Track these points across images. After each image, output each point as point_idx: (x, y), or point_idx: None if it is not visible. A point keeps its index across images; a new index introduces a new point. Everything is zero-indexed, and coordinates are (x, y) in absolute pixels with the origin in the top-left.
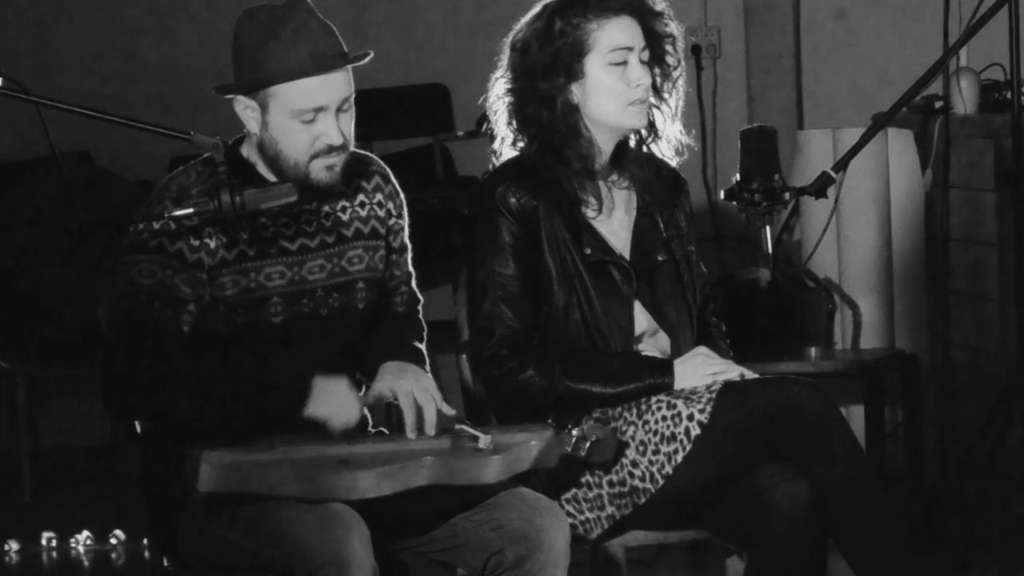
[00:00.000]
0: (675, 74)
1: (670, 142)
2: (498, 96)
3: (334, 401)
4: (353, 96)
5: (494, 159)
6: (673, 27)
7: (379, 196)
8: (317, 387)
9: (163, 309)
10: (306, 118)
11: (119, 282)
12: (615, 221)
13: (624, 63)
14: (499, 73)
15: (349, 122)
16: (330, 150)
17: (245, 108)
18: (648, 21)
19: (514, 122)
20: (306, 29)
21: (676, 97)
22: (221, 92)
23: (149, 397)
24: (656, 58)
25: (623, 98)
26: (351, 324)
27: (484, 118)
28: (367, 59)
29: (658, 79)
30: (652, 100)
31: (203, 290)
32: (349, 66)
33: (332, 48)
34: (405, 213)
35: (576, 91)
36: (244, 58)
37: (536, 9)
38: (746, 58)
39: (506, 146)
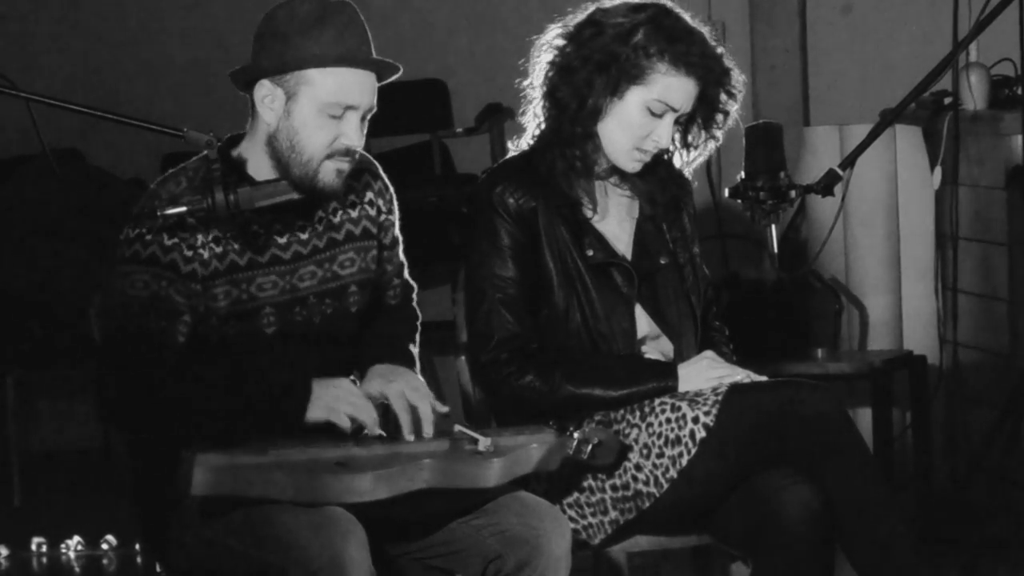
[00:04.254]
0: (708, 137)
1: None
2: (548, 43)
3: (335, 400)
4: (374, 111)
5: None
6: (734, 109)
7: (369, 194)
8: (316, 390)
9: (158, 321)
10: (334, 112)
11: (112, 294)
12: (617, 224)
13: (659, 116)
14: (563, 21)
15: (364, 133)
16: (346, 152)
17: (266, 96)
18: (713, 92)
19: (546, 87)
20: (353, 27)
21: (699, 153)
22: (241, 75)
23: (148, 410)
24: (703, 119)
25: (634, 141)
26: (344, 328)
27: (483, 115)
28: (397, 74)
29: (692, 133)
30: (677, 144)
31: (197, 300)
32: (377, 80)
33: (371, 53)
34: (395, 207)
35: (606, 105)
36: (280, 41)
37: (640, 2)
38: (751, 53)
39: (536, 99)
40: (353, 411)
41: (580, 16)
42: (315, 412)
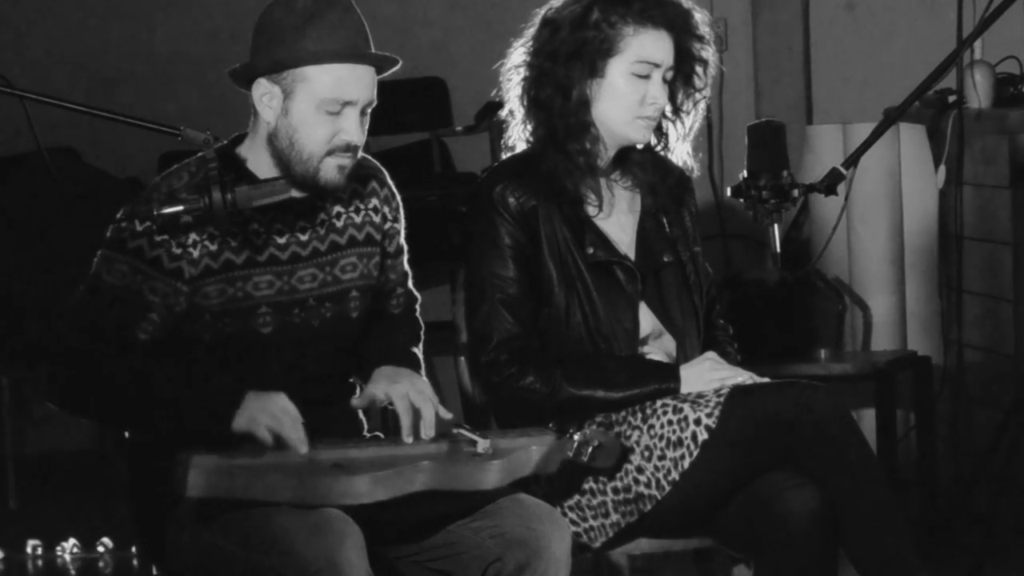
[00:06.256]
0: (697, 96)
1: (677, 159)
2: (515, 65)
3: (259, 412)
4: (374, 105)
5: (502, 146)
6: (710, 53)
7: (375, 201)
8: (247, 400)
9: (121, 313)
10: (332, 109)
11: (89, 276)
12: (619, 221)
13: (647, 77)
14: (521, 41)
15: (366, 127)
16: (347, 148)
17: (264, 94)
18: (685, 41)
19: (526, 99)
20: (349, 21)
21: (692, 119)
22: (239, 74)
23: (84, 394)
24: (683, 77)
25: (633, 111)
26: (344, 333)
27: (483, 113)
28: (396, 67)
29: (679, 96)
30: (669, 115)
31: (175, 299)
32: (377, 74)
33: (368, 47)
34: (401, 215)
35: (592, 88)
36: (276, 39)
37: None
38: (753, 51)
39: (516, 122)
40: (276, 425)
41: (532, 26)
42: (239, 421)
